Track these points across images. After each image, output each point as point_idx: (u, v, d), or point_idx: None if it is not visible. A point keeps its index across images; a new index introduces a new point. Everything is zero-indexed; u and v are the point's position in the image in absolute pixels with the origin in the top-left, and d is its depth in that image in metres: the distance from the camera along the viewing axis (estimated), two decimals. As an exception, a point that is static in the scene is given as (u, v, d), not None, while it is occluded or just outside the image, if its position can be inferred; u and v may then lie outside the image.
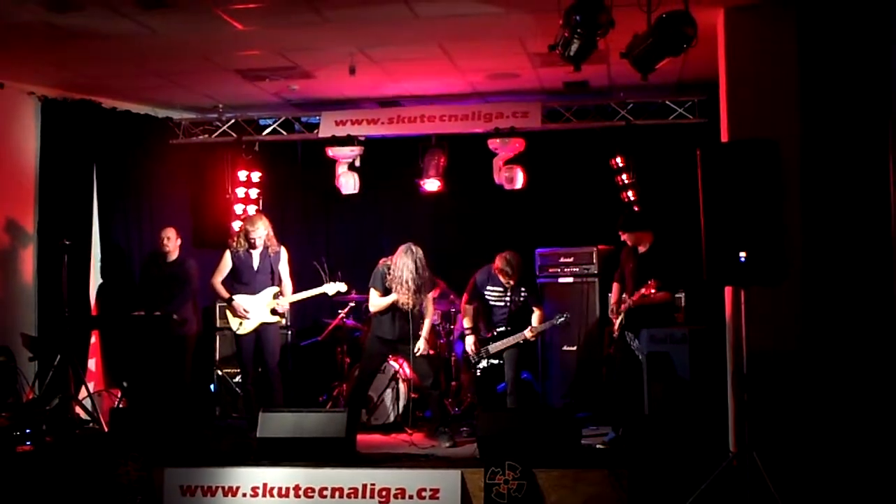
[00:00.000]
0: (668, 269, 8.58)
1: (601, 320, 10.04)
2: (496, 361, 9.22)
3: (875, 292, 7.18)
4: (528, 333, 9.12)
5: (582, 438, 7.92)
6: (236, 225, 10.93)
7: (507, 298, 9.24)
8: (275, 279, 9.41)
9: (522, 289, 9.27)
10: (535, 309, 9.23)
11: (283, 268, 9.48)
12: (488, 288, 9.31)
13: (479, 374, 9.33)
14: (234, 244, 9.38)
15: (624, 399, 8.93)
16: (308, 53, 9.29)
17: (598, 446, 8.40)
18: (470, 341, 9.32)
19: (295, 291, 9.55)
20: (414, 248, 8.76)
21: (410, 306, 8.74)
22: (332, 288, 9.49)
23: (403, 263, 8.68)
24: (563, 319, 9.10)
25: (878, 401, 7.03)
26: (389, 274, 8.78)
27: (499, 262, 9.13)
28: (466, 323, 9.40)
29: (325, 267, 9.82)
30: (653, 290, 8.41)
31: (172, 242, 10.03)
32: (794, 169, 7.21)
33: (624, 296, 8.95)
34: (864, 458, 6.89)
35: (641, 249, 8.99)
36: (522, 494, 7.19)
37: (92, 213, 10.82)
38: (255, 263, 9.35)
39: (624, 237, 9.04)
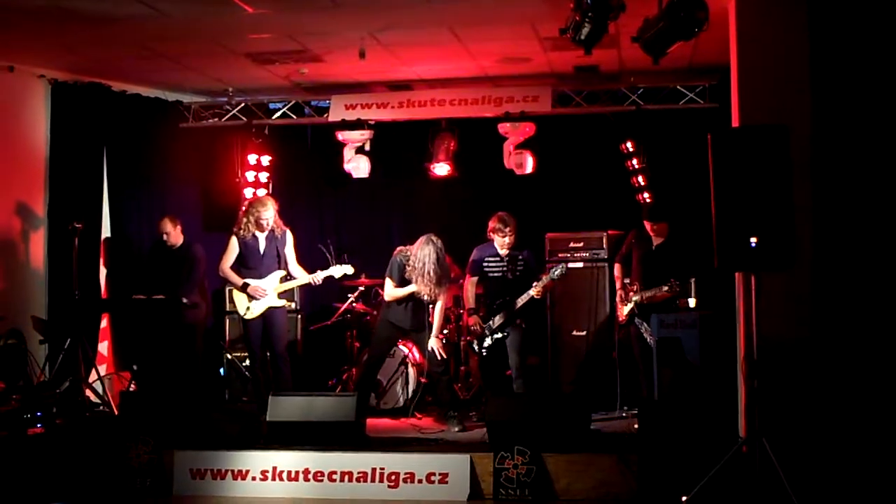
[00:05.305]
0: (686, 262, 8.63)
1: (611, 305, 10.03)
2: (500, 335, 9.20)
3: (887, 278, 7.16)
4: (533, 291, 9.06)
5: (591, 424, 7.92)
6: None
7: (504, 267, 9.23)
8: (281, 262, 9.39)
9: (520, 257, 9.26)
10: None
11: (290, 251, 9.44)
12: (486, 259, 9.30)
13: (484, 353, 9.32)
14: (242, 230, 9.33)
15: (631, 384, 9.01)
16: (318, 37, 9.27)
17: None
18: (473, 320, 9.33)
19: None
20: (434, 238, 8.73)
21: (431, 298, 8.73)
22: (339, 270, 9.43)
23: (425, 255, 8.64)
24: (559, 271, 9.01)
25: (890, 388, 7.01)
26: (409, 265, 8.75)
27: (492, 223, 9.16)
28: (469, 302, 9.41)
29: (332, 250, 9.81)
30: (677, 290, 8.46)
31: (172, 236, 10.04)
32: (805, 154, 7.17)
33: (636, 285, 8.98)
34: (875, 445, 6.87)
35: (659, 240, 9.00)
36: (531, 479, 7.21)
37: (102, 197, 10.83)
38: (262, 247, 9.32)
39: (649, 227, 9.06)
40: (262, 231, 9.31)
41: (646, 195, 10.37)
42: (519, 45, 9.53)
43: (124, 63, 10.12)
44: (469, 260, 9.47)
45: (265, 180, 11.57)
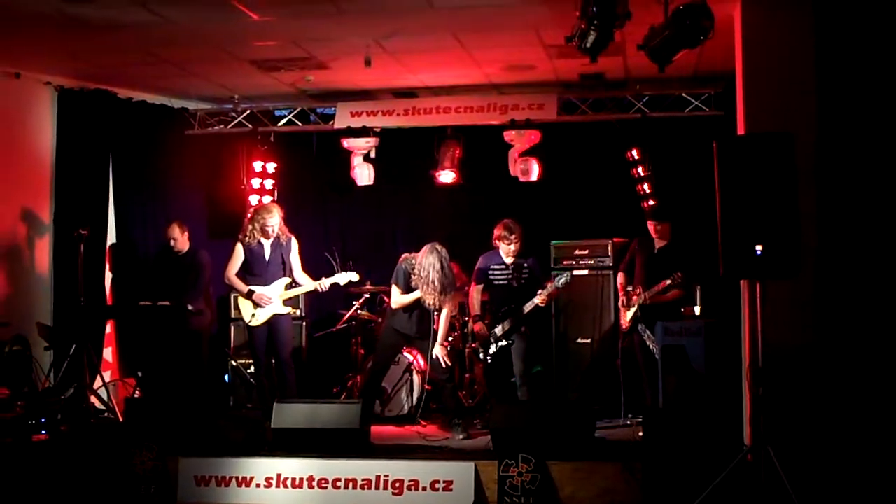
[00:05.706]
0: (689, 264, 8.60)
1: (616, 313, 10.02)
2: (504, 343, 9.19)
3: (893, 284, 7.14)
4: (537, 299, 9.06)
5: (596, 431, 7.90)
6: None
7: (510, 275, 9.23)
8: (286, 269, 9.38)
9: (525, 265, 9.26)
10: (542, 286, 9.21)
11: (295, 258, 9.43)
12: (492, 267, 9.30)
13: (489, 361, 9.32)
14: (247, 237, 9.33)
15: (635, 392, 8.99)
16: (323, 44, 9.28)
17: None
18: (478, 328, 9.33)
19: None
20: (439, 247, 8.71)
21: (436, 306, 8.72)
22: (344, 277, 9.41)
23: (430, 264, 8.62)
24: (563, 280, 9.01)
25: (894, 395, 6.99)
26: (414, 273, 8.74)
27: (497, 230, 9.17)
28: (474, 310, 9.41)
29: (337, 257, 9.81)
30: (679, 281, 8.44)
31: (180, 241, 10.04)
32: (810, 161, 7.16)
33: (638, 289, 8.99)
34: (881, 453, 6.85)
35: (662, 243, 9.01)
36: (536, 487, 7.19)
37: (107, 203, 10.87)
38: (267, 254, 9.32)
39: (652, 227, 9.06)
40: (268, 238, 9.30)
41: (651, 203, 10.37)
42: (524, 53, 9.53)
43: (130, 69, 10.14)
44: (475, 267, 9.47)
45: (270, 187, 11.60)
